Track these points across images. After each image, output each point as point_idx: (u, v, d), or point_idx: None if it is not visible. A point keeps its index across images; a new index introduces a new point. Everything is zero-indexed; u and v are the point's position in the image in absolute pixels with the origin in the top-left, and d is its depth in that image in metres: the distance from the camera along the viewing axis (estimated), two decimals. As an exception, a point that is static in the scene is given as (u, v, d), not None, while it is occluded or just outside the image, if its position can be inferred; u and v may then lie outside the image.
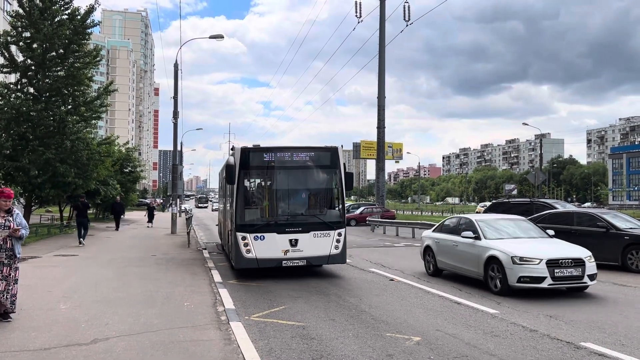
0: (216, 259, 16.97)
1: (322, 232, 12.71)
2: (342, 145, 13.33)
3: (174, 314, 8.64)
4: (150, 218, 37.14)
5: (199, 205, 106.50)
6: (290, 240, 12.48)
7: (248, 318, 8.75)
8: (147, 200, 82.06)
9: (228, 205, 14.84)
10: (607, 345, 7.11)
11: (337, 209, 13.33)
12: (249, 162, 12.65)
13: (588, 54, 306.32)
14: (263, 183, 13.54)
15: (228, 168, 12.60)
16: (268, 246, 12.37)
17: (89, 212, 25.21)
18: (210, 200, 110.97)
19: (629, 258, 14.11)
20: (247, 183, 13.11)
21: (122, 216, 34.72)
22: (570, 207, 20.82)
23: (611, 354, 6.71)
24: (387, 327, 8.02)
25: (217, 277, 12.85)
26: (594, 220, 15.28)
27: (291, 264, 12.52)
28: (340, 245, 12.90)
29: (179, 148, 36.28)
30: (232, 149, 13.27)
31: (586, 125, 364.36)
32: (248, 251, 12.35)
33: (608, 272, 13.98)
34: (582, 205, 63.92)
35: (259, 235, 12.38)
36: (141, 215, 45.85)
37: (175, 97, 31.34)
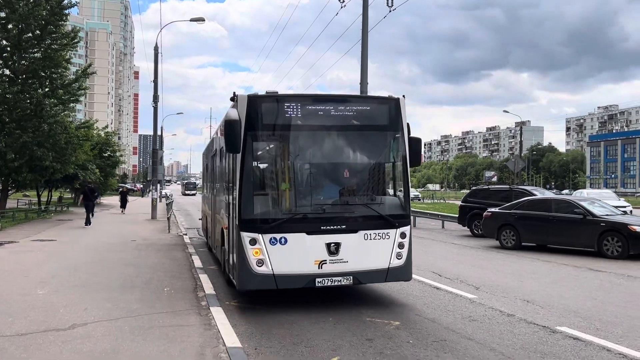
0: (197, 244, 16.90)
1: (378, 231, 8.18)
2: (403, 96, 8.68)
3: (153, 299, 8.59)
4: (123, 204, 34.08)
5: (187, 192, 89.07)
6: (329, 245, 7.89)
7: (228, 303, 8.74)
8: (128, 185, 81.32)
9: (222, 190, 10.48)
10: (582, 329, 7.26)
11: (398, 195, 8.67)
12: (262, 118, 7.99)
13: (567, 42, 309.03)
14: (284, 154, 8.27)
15: (228, 128, 7.75)
16: (293, 254, 7.81)
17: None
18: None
19: (604, 244, 14.37)
20: (257, 153, 8.35)
21: (95, 204, 27.18)
22: (549, 194, 21.12)
23: (585, 337, 6.85)
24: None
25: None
26: (571, 207, 15.52)
27: (330, 283, 7.94)
28: (405, 251, 8.36)
29: (159, 132, 35.94)
30: (233, 99, 8.22)
31: (565, 113, 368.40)
32: (260, 263, 7.70)
33: (584, 257, 14.24)
34: (561, 193, 64.86)
35: (278, 236, 7.77)
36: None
37: (155, 81, 30.96)
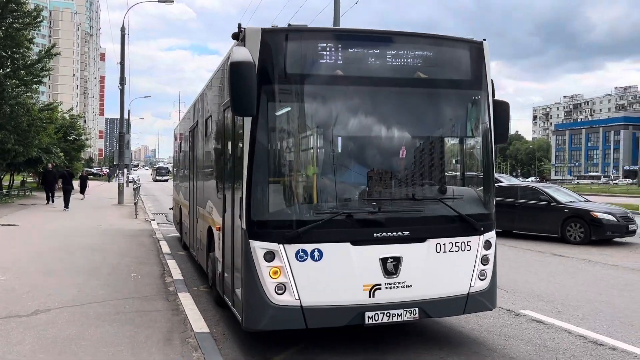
0: (165, 230, 16.70)
1: (455, 239, 5.71)
2: (484, 40, 6.05)
3: (120, 284, 8.46)
4: (83, 189, 32.35)
5: (158, 177, 79.02)
6: (385, 262, 5.43)
7: (197, 289, 8.68)
8: (93, 170, 79.72)
9: (210, 175, 8.07)
10: (545, 312, 7.46)
11: (480, 186, 6.15)
12: (284, 66, 5.28)
13: (535, 32, 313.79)
14: (315, 121, 5.63)
15: (235, 75, 5.02)
16: (331, 276, 5.34)
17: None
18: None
19: (567, 230, 14.77)
20: (276, 120, 5.43)
21: (54, 188, 27.14)
22: (515, 181, 21.53)
23: (548, 320, 7.05)
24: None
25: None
26: (536, 194, 15.87)
27: (385, 319, 5.48)
28: (489, 268, 5.95)
29: (126, 116, 35.23)
30: (237, 36, 5.56)
31: (532, 102, 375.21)
32: (281, 288, 5.24)
33: (548, 243, 14.59)
34: (527, 180, 66.30)
35: (308, 248, 5.27)
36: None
37: (122, 63, 30.25)
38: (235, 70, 4.99)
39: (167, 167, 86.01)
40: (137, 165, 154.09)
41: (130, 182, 44.86)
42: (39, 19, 25.85)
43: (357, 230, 5.37)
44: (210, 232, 7.85)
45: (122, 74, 30.39)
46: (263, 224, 5.24)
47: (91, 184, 41.11)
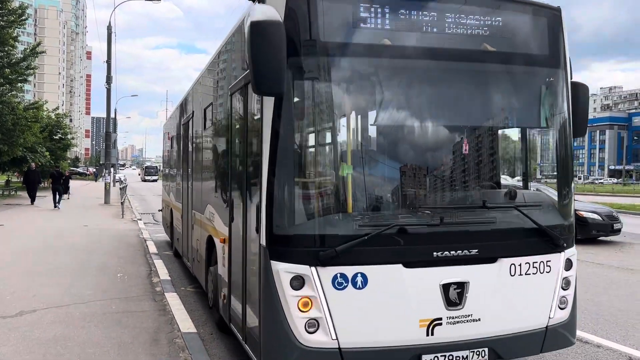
0: (152, 230, 16.60)
1: (532, 258, 4.57)
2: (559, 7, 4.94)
3: (106, 285, 8.39)
4: (66, 189, 29.72)
5: (147, 177, 75.60)
6: (447, 289, 4.24)
7: (184, 289, 8.64)
8: (80, 169, 79.01)
9: (211, 173, 7.13)
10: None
11: (559, 190, 4.98)
12: (319, 28, 4.03)
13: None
14: (356, 105, 4.51)
15: (258, 39, 3.76)
16: (377, 308, 4.12)
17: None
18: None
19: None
20: (305, 102, 4.11)
21: (37, 188, 27.12)
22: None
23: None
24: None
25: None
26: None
27: None
28: (570, 295, 4.96)
29: (112, 115, 34.95)
30: None
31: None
32: (313, 324, 4.03)
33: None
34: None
35: (348, 272, 4.06)
36: (75, 184, 44.15)
37: (108, 62, 29.99)
38: (258, 33, 3.73)
39: (156, 167, 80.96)
40: (123, 165, 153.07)
41: (117, 181, 44.58)
42: (24, 17, 25.63)
43: (413, 249, 4.14)
44: (210, 242, 6.73)
45: (108, 73, 30.13)
46: (289, 239, 4.03)
47: (77, 183, 40.85)
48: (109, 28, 30.40)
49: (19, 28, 26.41)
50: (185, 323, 6.34)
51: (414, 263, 4.13)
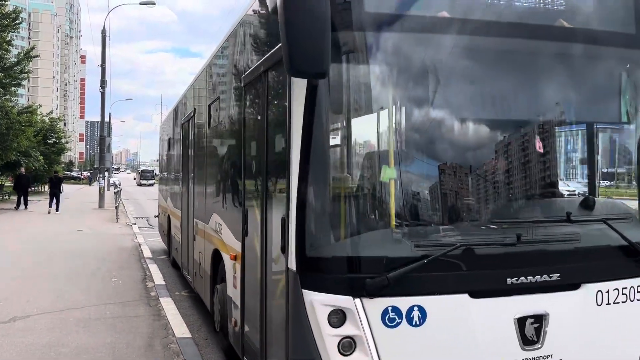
0: (147, 234, 16.54)
1: (620, 283, 3.57)
2: None
3: (100, 290, 8.35)
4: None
5: (142, 181, 73.16)
6: (522, 324, 3.28)
7: (179, 294, 8.63)
8: (74, 173, 78.68)
9: (218, 175, 6.23)
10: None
11: None
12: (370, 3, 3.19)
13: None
14: (412, 96, 3.46)
15: (293, 6, 2.80)
16: (437, 349, 3.19)
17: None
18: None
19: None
20: (351, 86, 3.24)
21: (27, 192, 26.53)
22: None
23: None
24: None
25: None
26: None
27: None
28: None
29: (107, 119, 34.85)
30: None
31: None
32: None
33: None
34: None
35: (402, 305, 3.12)
36: (69, 188, 43.98)
37: (103, 65, 29.97)
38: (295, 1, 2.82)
39: (153, 170, 77.40)
40: (118, 169, 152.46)
41: (111, 185, 44.44)
42: (17, 21, 25.57)
43: (482, 274, 3.29)
44: (217, 257, 5.90)
45: (103, 77, 30.10)
46: (327, 263, 3.18)
47: (71, 187, 40.65)
48: (104, 32, 30.39)
49: (13, 32, 26.32)
50: (180, 328, 6.31)
51: (483, 292, 3.25)
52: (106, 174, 32.29)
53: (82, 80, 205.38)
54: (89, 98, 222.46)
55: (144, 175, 75.91)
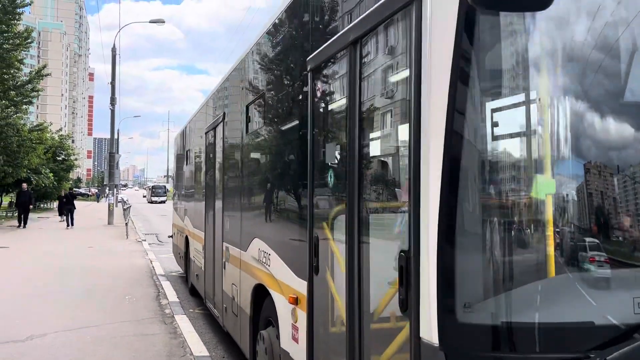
0: (157, 250, 16.54)
1: None
2: None
3: (114, 307, 8.34)
4: (61, 211, 28.68)
5: (154, 198, 67.93)
6: None
7: (193, 311, 8.60)
8: (82, 190, 78.99)
9: (259, 195, 5.22)
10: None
11: None
12: None
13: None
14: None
15: None
16: None
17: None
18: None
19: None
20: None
21: (28, 210, 25.34)
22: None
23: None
24: None
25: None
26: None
27: None
28: None
29: (116, 136, 35.10)
30: None
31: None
32: None
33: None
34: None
35: None
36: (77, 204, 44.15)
37: (112, 83, 30.27)
38: None
39: (165, 186, 72.78)
40: (125, 185, 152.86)
41: (119, 202, 44.57)
42: (29, 40, 25.87)
43: None
44: (260, 294, 4.75)
45: (112, 94, 30.37)
46: (498, 334, 2.02)
47: (80, 204, 40.53)
48: (114, 50, 30.73)
49: (25, 51, 26.66)
50: (197, 346, 6.28)
51: None
52: (115, 190, 32.43)
53: (90, 97, 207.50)
54: (97, 115, 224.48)
55: (156, 192, 70.70)
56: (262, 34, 5.12)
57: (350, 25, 2.89)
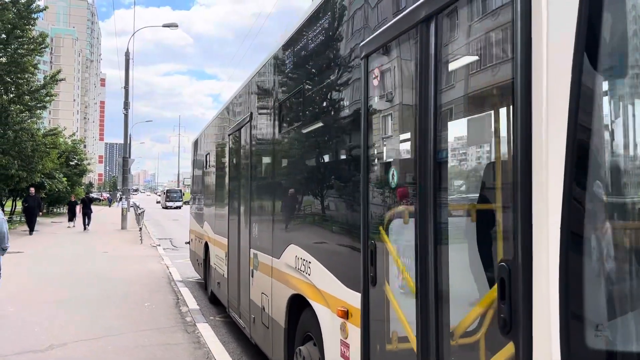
0: (172, 255, 16.36)
1: None
2: None
3: (134, 315, 8.13)
4: (72, 216, 29.42)
5: (168, 203, 64.46)
6: None
7: (214, 319, 8.38)
8: (94, 195, 79.28)
9: (300, 193, 4.68)
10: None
11: None
12: None
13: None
14: None
15: None
16: None
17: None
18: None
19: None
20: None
21: (36, 216, 24.50)
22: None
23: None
24: None
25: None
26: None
27: None
28: None
29: (128, 141, 35.06)
30: None
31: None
32: None
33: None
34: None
35: None
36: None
37: (126, 87, 30.22)
38: None
39: (180, 190, 69.85)
40: (136, 190, 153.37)
41: (131, 206, 44.56)
42: (43, 45, 25.86)
43: None
44: (297, 304, 4.46)
45: (126, 99, 30.32)
46: None
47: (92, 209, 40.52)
48: (127, 54, 30.71)
49: (39, 56, 26.68)
50: (221, 356, 6.06)
51: None
52: (128, 195, 32.37)
53: (102, 102, 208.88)
54: (108, 120, 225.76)
55: (170, 196, 66.80)
56: (301, 22, 4.59)
57: (421, 1, 2.52)
